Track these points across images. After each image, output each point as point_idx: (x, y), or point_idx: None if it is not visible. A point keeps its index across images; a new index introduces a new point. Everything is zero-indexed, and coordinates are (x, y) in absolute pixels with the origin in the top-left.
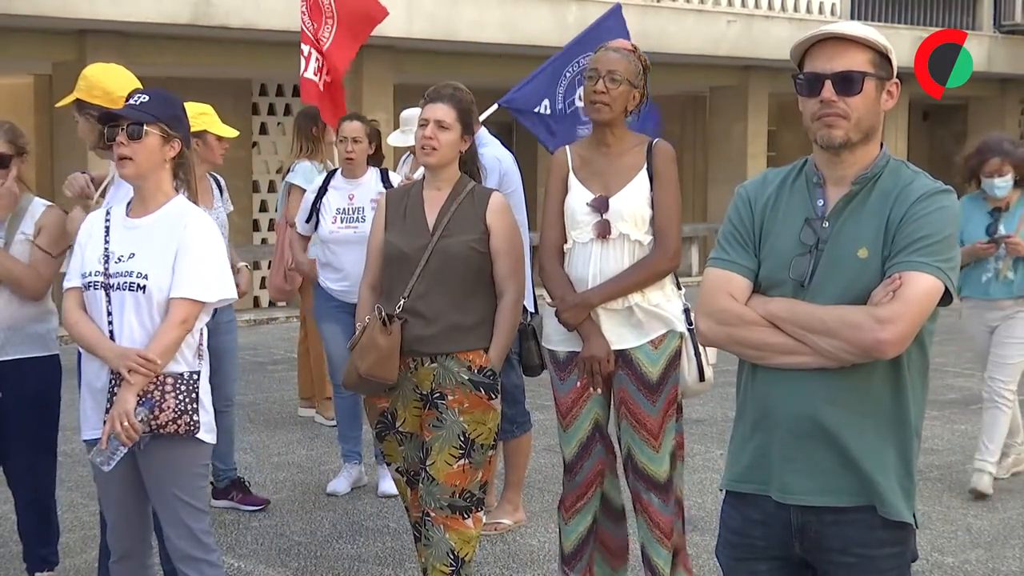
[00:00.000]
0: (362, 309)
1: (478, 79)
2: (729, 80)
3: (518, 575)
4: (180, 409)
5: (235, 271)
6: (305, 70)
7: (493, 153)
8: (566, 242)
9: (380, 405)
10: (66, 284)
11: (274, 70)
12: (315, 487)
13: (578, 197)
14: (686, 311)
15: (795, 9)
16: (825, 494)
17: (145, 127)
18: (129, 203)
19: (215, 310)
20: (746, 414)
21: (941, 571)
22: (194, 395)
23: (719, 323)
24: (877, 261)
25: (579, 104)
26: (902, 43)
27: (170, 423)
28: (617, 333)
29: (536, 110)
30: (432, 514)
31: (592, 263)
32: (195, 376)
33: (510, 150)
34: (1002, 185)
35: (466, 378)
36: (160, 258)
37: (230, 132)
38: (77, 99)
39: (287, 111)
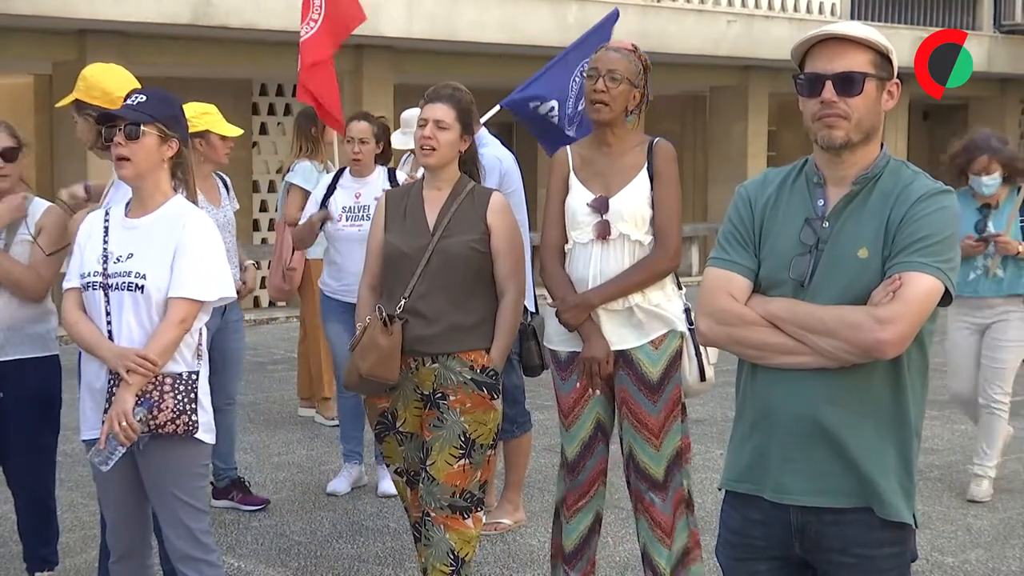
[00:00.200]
0: (361, 309)
1: (478, 79)
2: (729, 80)
3: (518, 575)
4: (179, 409)
5: (243, 269)
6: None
7: (494, 153)
8: (567, 242)
9: (380, 405)
10: (65, 284)
11: (274, 70)
12: (315, 487)
13: (578, 197)
14: (687, 311)
15: (795, 9)
16: (824, 495)
17: (142, 127)
18: (128, 203)
19: (224, 309)
20: (745, 414)
21: (941, 571)
22: (193, 395)
23: (719, 323)
24: (877, 261)
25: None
26: (902, 43)
27: (169, 423)
28: (618, 333)
29: (537, 109)
30: (432, 514)
31: (592, 263)
32: (194, 376)
33: (510, 150)
34: (990, 183)
35: (468, 378)
36: (158, 258)
37: (234, 131)
38: (76, 99)
39: (287, 111)
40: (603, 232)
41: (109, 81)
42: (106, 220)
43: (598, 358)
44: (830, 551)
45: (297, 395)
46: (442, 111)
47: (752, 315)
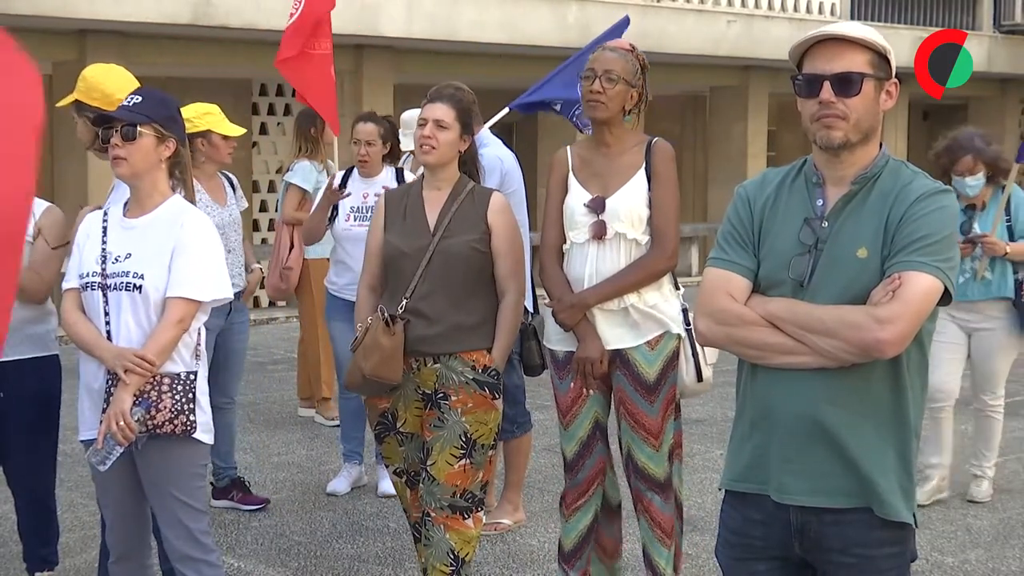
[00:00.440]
0: (361, 310)
1: (478, 79)
2: (729, 80)
3: (518, 575)
4: (177, 409)
5: (248, 271)
6: None
7: (495, 153)
8: (565, 242)
9: (381, 406)
10: (64, 285)
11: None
12: (315, 487)
13: (576, 198)
14: (684, 311)
15: (795, 9)
16: (823, 495)
17: (139, 128)
18: (126, 203)
19: (229, 309)
20: (745, 414)
21: (941, 571)
22: (191, 395)
23: (718, 323)
24: (876, 261)
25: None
26: (902, 43)
27: (167, 423)
28: (614, 333)
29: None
30: (432, 514)
31: (588, 263)
32: (192, 376)
33: (511, 150)
34: (974, 184)
35: (471, 378)
36: (156, 258)
37: (236, 131)
38: (76, 100)
39: (287, 111)
40: (599, 232)
41: (109, 83)
42: (104, 220)
43: (592, 358)
44: (830, 551)
45: (297, 395)
46: (442, 111)
47: (751, 315)
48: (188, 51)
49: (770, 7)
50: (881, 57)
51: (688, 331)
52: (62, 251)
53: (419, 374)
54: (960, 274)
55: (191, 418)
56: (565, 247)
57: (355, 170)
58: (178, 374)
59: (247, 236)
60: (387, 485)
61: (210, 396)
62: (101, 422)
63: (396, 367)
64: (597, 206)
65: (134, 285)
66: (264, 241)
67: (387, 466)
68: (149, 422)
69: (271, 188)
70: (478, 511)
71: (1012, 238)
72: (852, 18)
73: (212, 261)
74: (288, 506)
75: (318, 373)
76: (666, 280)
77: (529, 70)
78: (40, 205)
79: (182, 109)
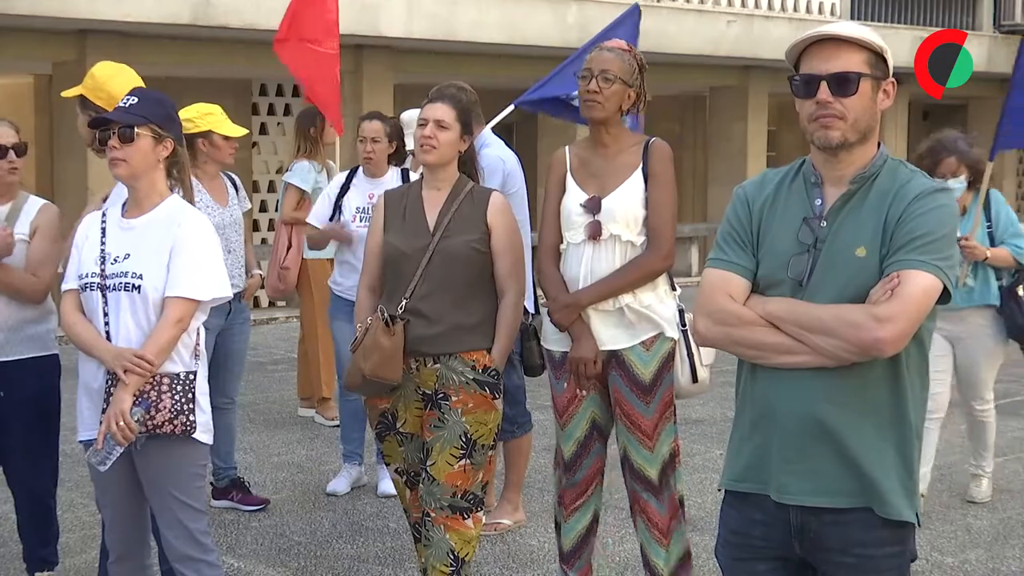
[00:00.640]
0: (360, 310)
1: (478, 79)
2: (729, 80)
3: (518, 575)
4: (176, 409)
5: (248, 275)
6: None
7: (497, 153)
8: (562, 242)
9: (381, 406)
10: (63, 286)
11: (274, 70)
12: (315, 487)
13: (573, 198)
14: (680, 312)
15: (795, 9)
16: (824, 495)
17: (136, 129)
18: (124, 204)
19: (229, 309)
20: (745, 414)
21: (941, 571)
22: (190, 395)
23: (718, 323)
24: (875, 260)
25: None
26: (902, 43)
27: (166, 423)
28: (609, 334)
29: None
30: (432, 514)
31: (584, 263)
32: (191, 376)
33: (512, 150)
34: (956, 187)
35: (471, 378)
36: (155, 258)
37: (237, 131)
38: (81, 95)
39: (287, 111)
40: (594, 232)
41: (116, 85)
42: (103, 221)
43: (586, 358)
44: (830, 551)
45: (297, 395)
46: (442, 111)
47: (751, 315)
48: (188, 51)
49: (770, 7)
50: (878, 56)
51: (684, 332)
52: (59, 250)
53: (419, 374)
54: None
55: (191, 418)
56: (562, 247)
57: (360, 170)
58: (177, 374)
59: (248, 238)
60: (387, 485)
61: (210, 396)
62: (101, 422)
63: (396, 367)
64: (593, 206)
65: (133, 285)
66: (264, 241)
67: (388, 464)
68: (149, 422)
69: (271, 188)
70: (478, 511)
71: (992, 244)
72: (852, 18)
73: (210, 260)
74: (288, 506)
75: (319, 372)
76: (662, 281)
77: (529, 70)
78: (36, 203)
79: (183, 109)
